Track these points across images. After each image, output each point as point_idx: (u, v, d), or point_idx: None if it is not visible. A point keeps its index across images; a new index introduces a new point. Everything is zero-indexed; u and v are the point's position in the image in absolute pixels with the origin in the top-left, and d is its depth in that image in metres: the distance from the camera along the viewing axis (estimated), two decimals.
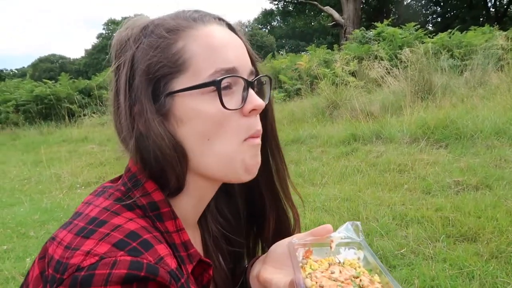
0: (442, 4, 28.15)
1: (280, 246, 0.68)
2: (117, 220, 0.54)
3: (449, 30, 9.50)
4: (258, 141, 0.63)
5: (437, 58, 7.23)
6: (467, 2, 25.35)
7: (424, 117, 5.09)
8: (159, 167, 0.59)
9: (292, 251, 0.64)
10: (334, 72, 7.92)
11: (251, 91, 0.61)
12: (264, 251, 0.83)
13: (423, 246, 2.55)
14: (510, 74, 6.70)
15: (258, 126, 0.62)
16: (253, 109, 0.61)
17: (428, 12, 29.93)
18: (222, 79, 0.57)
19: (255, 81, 0.63)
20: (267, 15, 35.88)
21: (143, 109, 0.57)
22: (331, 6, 19.72)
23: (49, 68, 42.18)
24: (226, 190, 0.72)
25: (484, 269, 2.20)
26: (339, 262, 0.64)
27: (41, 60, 45.76)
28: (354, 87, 7.07)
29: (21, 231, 3.73)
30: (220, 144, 0.59)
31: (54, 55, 47.75)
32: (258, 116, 0.63)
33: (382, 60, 7.91)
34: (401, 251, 2.52)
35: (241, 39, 0.65)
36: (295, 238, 0.67)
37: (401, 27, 10.28)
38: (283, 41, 42.60)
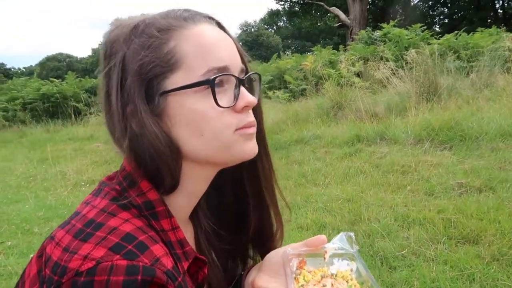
0: (449, 5, 27.96)
1: (276, 255, 0.70)
2: (113, 222, 0.55)
3: (456, 32, 9.44)
4: (252, 130, 0.64)
5: (443, 59, 7.19)
6: (475, 4, 25.16)
7: (428, 118, 5.06)
8: (154, 166, 0.59)
9: (286, 261, 0.66)
10: (339, 73, 7.90)
11: (242, 89, 0.62)
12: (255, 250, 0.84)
13: (424, 247, 2.54)
14: None
15: (250, 118, 0.64)
16: (245, 106, 0.62)
17: (435, 13, 29.74)
18: (216, 77, 0.58)
19: (246, 79, 0.64)
20: (273, 16, 35.82)
21: (137, 109, 0.58)
22: (337, 7, 19.66)
23: (56, 66, 42.54)
24: (216, 187, 0.73)
25: (485, 271, 2.20)
26: (332, 274, 0.66)
27: (48, 59, 46.14)
28: (359, 88, 7.05)
29: (25, 227, 3.78)
30: (214, 138, 0.60)
31: (61, 54, 48.14)
32: (250, 111, 0.64)
33: (387, 61, 7.88)
34: (402, 252, 2.52)
35: (230, 37, 0.66)
36: (289, 248, 0.68)
37: (407, 28, 10.23)
38: (289, 42, 42.61)
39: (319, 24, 30.44)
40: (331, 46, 12.56)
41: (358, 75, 8.12)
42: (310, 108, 7.48)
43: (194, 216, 0.74)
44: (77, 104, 11.87)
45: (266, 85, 10.68)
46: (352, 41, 13.43)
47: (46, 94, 12.25)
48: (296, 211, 3.36)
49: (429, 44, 8.18)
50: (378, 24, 11.84)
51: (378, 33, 10.73)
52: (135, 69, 0.58)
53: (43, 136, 10.04)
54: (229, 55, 0.62)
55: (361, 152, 4.79)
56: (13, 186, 5.46)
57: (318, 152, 5.18)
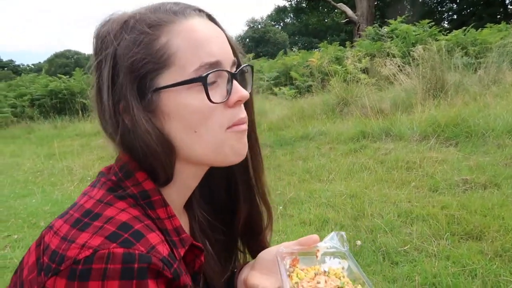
0: (458, 1, 27.65)
1: (269, 253, 0.71)
2: (110, 212, 0.56)
3: (464, 28, 9.34)
4: (244, 127, 0.65)
5: (450, 55, 7.11)
6: None
7: (434, 115, 5.03)
8: (147, 162, 0.60)
9: (280, 259, 0.67)
10: (345, 69, 7.86)
11: (235, 83, 0.63)
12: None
13: (427, 243, 2.53)
14: None
15: (242, 114, 0.64)
16: (238, 100, 0.62)
17: (444, 9, 29.43)
18: (208, 74, 0.59)
19: (238, 72, 0.65)
20: (280, 12, 35.77)
21: (129, 106, 0.58)
22: (344, 3, 19.50)
23: (64, 63, 42.86)
24: (208, 177, 0.74)
25: (488, 267, 2.18)
26: (325, 271, 0.67)
27: (56, 56, 46.51)
28: (365, 84, 7.01)
29: (32, 221, 3.83)
30: (206, 135, 0.61)
31: (69, 50, 48.52)
32: (242, 106, 0.65)
33: (394, 57, 7.82)
34: (405, 248, 2.52)
35: (221, 29, 0.66)
36: (282, 247, 0.70)
37: (415, 24, 10.14)
38: (296, 38, 42.42)
39: (326, 20, 30.31)
40: (338, 42, 12.48)
41: (364, 71, 8.07)
42: (315, 105, 7.46)
43: (188, 206, 0.75)
44: (84, 101, 11.93)
45: (272, 82, 10.66)
46: (359, 37, 13.33)
47: (54, 91, 12.35)
48: (300, 206, 3.37)
49: (436, 40, 8.09)
50: (386, 20, 11.75)
51: (385, 29, 10.64)
52: (127, 66, 0.58)
53: (50, 132, 10.13)
54: (221, 49, 0.62)
55: (366, 148, 4.78)
56: (20, 181, 5.53)
57: (323, 148, 5.17)
